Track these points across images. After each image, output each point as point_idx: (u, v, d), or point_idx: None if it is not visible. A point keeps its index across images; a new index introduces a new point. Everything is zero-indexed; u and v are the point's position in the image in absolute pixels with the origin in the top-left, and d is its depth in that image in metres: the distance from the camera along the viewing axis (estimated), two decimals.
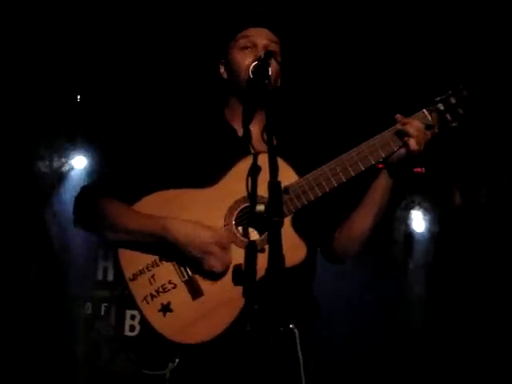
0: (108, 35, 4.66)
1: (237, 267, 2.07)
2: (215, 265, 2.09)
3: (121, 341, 5.95)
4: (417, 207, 6.37)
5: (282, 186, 1.75)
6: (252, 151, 2.19)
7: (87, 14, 4.50)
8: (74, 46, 4.79)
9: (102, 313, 6.09)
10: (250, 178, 1.83)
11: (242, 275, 1.92)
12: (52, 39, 4.71)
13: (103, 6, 4.46)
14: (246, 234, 2.16)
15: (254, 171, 1.83)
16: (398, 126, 2.16)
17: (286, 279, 1.70)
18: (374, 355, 5.95)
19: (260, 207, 1.78)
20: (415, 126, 2.13)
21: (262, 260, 1.71)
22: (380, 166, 2.27)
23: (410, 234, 6.48)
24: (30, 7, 4.39)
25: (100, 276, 6.17)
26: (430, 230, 6.39)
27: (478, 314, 5.36)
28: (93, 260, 6.13)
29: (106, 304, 6.09)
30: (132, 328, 5.63)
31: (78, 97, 5.41)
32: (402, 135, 2.15)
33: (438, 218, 6.16)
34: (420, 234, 6.45)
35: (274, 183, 1.73)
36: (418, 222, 6.44)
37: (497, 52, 4.04)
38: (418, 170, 5.81)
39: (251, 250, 1.83)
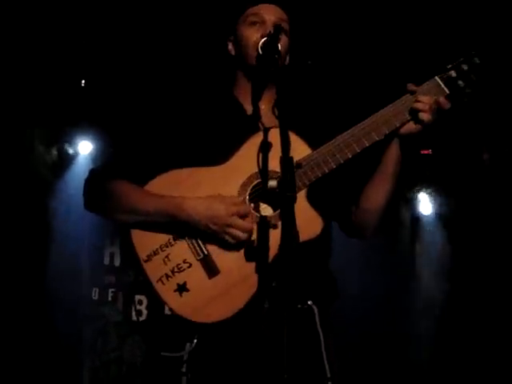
0: (112, 16, 4.61)
1: (249, 244, 2.05)
2: (238, 234, 2.07)
3: (128, 326, 5.95)
4: (424, 190, 6.35)
5: (295, 160, 1.73)
6: (261, 127, 2.16)
7: None
8: (78, 31, 4.75)
9: (109, 298, 6.08)
10: (260, 154, 1.80)
11: (255, 252, 1.87)
12: (56, 24, 4.66)
13: None
14: (259, 209, 2.13)
15: (265, 147, 1.80)
16: (410, 99, 2.15)
17: (301, 255, 1.68)
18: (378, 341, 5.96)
19: (272, 182, 1.75)
20: (424, 101, 2.12)
21: (276, 236, 1.67)
22: None
23: (417, 217, 6.46)
24: None
25: (106, 261, 6.14)
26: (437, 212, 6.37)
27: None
28: (99, 245, 6.12)
29: (112, 289, 6.07)
30: (139, 313, 5.64)
31: (83, 81, 5.36)
32: (413, 109, 2.14)
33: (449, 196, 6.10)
34: (427, 216, 6.43)
35: (286, 158, 1.71)
36: (425, 204, 6.42)
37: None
38: (426, 151, 5.77)
39: (263, 225, 1.79)
